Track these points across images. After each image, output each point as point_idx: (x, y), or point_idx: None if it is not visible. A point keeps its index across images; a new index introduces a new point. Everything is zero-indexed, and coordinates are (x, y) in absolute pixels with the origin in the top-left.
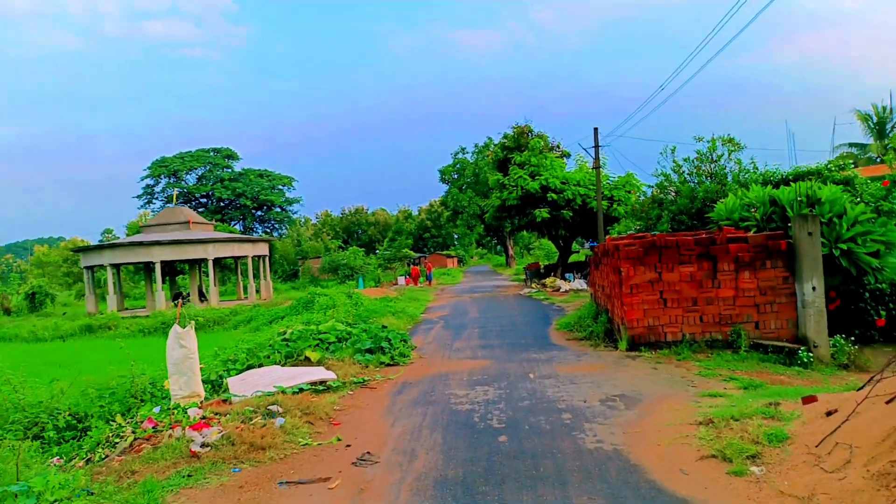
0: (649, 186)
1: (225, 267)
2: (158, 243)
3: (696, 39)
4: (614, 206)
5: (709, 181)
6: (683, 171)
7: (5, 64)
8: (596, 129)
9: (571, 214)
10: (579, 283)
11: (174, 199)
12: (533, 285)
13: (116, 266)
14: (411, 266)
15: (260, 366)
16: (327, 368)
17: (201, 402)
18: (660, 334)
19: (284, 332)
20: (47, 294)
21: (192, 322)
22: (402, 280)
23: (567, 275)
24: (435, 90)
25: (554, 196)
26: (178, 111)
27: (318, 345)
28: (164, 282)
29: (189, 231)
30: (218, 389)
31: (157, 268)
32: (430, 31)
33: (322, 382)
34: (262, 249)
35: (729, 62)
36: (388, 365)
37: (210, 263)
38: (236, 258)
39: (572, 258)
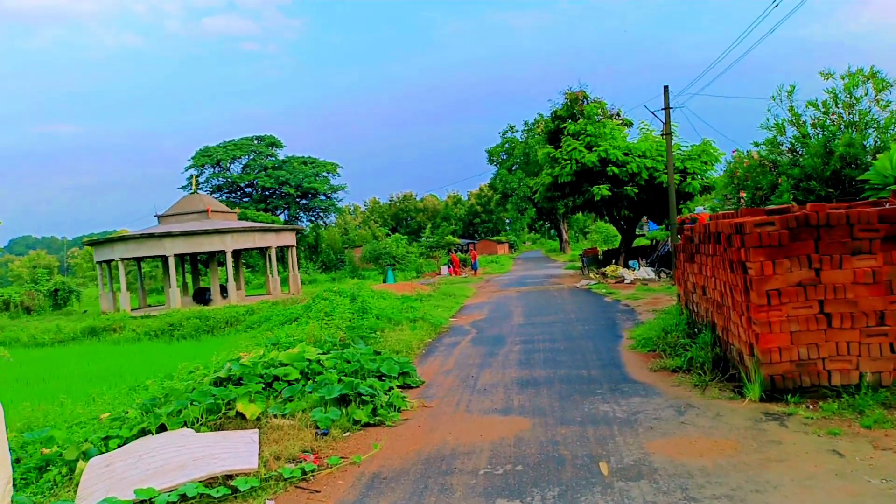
0: (760, 145)
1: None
2: (170, 235)
3: (762, 12)
4: (688, 179)
5: (843, 132)
6: (805, 122)
7: (73, 66)
8: (666, 88)
9: (636, 191)
10: (646, 272)
11: (193, 186)
12: (591, 275)
13: (137, 260)
14: (451, 253)
15: (161, 429)
16: (264, 433)
17: None
18: (819, 374)
19: (227, 366)
20: (70, 291)
21: None
22: (444, 270)
23: (631, 262)
24: (485, 73)
25: (615, 170)
26: (234, 104)
27: (266, 388)
28: (189, 276)
29: (207, 221)
30: (72, 477)
31: (171, 262)
32: (478, 15)
33: (230, 478)
34: (288, 239)
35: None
36: (367, 425)
37: (228, 255)
38: (259, 249)
39: (636, 242)
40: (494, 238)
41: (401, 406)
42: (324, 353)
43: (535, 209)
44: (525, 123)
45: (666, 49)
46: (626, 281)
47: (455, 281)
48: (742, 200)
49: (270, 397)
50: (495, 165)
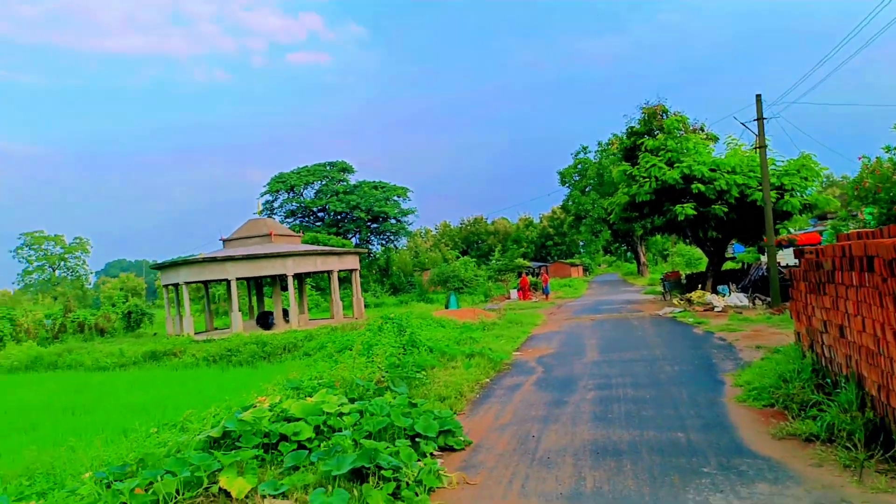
0: (893, 150)
1: (344, 280)
2: (232, 259)
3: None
4: (785, 196)
5: None
6: None
7: (168, 101)
8: (759, 97)
9: (726, 210)
10: (738, 299)
11: (258, 209)
12: (675, 301)
13: (204, 283)
14: (520, 277)
15: None
16: None
17: None
18: None
19: (222, 422)
20: (143, 313)
21: None
22: (514, 294)
23: (720, 287)
24: (557, 97)
25: (701, 187)
26: (314, 135)
27: (269, 450)
28: (255, 299)
29: (270, 244)
30: None
31: (233, 285)
32: (552, 42)
33: None
34: (351, 263)
35: None
36: None
37: (290, 279)
38: (322, 273)
39: (725, 265)
40: (568, 261)
41: (433, 485)
42: (350, 402)
43: (610, 231)
44: (599, 144)
45: (751, 69)
46: (716, 309)
47: (524, 306)
48: (862, 216)
49: (271, 465)
50: (568, 187)
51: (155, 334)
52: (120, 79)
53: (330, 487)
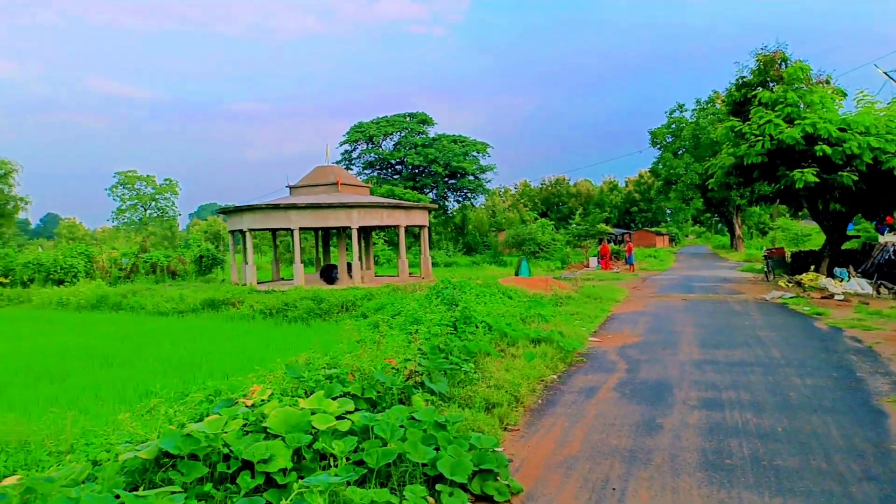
0: None
1: (410, 234)
2: (295, 207)
3: None
4: None
5: None
6: None
7: (263, 48)
8: None
9: (856, 178)
10: (859, 285)
11: (326, 156)
12: (781, 284)
13: (271, 231)
14: (601, 244)
15: None
16: None
17: None
18: None
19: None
20: (214, 258)
21: None
22: (594, 262)
23: (838, 270)
24: (654, 53)
25: (826, 149)
26: (397, 85)
27: (223, 483)
28: (321, 251)
29: (336, 194)
30: None
31: (296, 235)
32: None
33: None
34: (420, 218)
35: None
36: None
37: (354, 232)
38: (391, 227)
39: (845, 245)
40: (653, 229)
41: None
42: (369, 406)
43: (702, 199)
44: (697, 102)
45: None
46: (835, 297)
47: (604, 277)
48: None
49: None
50: (659, 148)
51: (223, 281)
52: (219, 24)
53: None
